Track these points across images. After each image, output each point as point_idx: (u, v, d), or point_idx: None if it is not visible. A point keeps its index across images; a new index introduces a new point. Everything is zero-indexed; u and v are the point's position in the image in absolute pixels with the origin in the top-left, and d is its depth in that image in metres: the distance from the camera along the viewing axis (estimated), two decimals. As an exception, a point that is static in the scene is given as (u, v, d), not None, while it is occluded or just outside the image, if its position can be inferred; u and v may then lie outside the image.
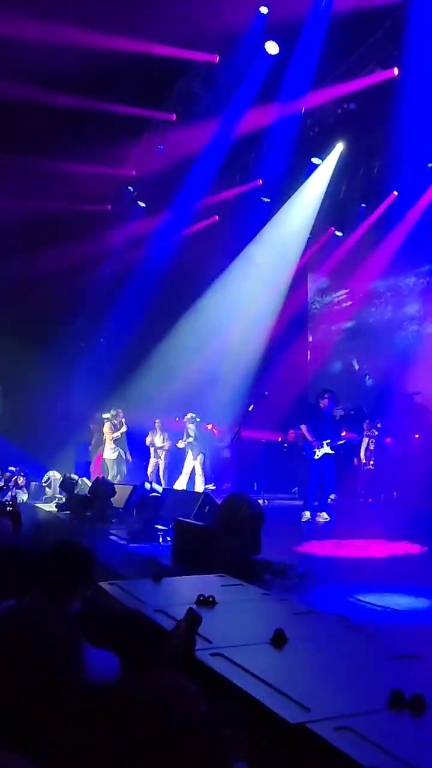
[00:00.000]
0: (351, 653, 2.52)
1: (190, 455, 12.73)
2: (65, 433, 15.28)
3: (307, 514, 9.24)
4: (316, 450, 9.43)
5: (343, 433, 9.95)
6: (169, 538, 5.93)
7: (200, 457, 12.62)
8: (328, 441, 9.39)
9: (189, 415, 12.96)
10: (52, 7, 9.62)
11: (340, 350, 15.82)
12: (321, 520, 9.25)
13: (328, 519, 9.32)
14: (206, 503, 6.59)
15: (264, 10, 10.24)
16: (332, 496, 12.26)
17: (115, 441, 13.54)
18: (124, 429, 13.45)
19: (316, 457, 9.46)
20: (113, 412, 13.66)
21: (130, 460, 13.83)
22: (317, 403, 9.73)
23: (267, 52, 11.07)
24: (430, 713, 1.83)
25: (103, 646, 2.19)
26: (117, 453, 13.33)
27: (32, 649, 1.94)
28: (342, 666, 2.36)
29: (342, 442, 9.77)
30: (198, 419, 13.05)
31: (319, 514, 9.38)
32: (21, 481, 11.18)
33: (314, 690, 2.05)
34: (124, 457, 13.50)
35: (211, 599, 3.07)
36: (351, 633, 2.75)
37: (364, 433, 12.01)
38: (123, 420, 13.61)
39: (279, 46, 10.94)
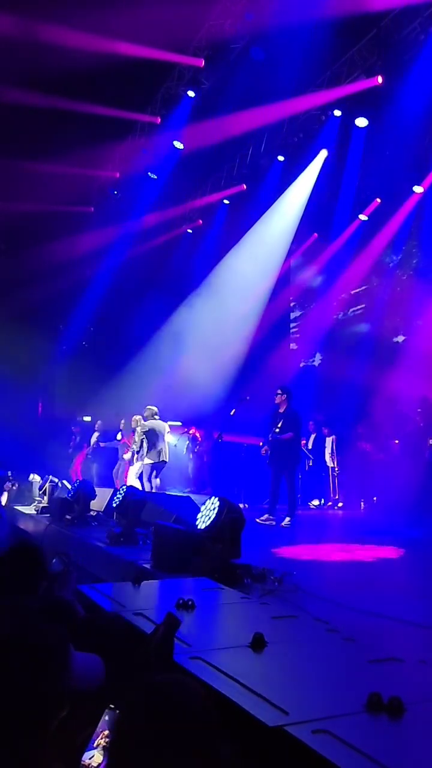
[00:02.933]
0: (330, 657, 2.52)
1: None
2: (46, 435, 15.21)
3: (265, 517, 8.70)
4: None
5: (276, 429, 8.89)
6: (149, 542, 5.90)
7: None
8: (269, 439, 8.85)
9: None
10: (37, 8, 9.60)
11: (322, 355, 15.89)
12: (284, 524, 8.58)
13: (287, 524, 8.58)
14: (187, 507, 6.58)
15: (249, 16, 10.28)
16: (316, 502, 12.31)
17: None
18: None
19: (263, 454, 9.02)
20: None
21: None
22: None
23: (252, 58, 11.13)
24: (408, 716, 1.84)
25: (82, 650, 2.17)
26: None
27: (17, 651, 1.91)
28: (321, 669, 2.37)
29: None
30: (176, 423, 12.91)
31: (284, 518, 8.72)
32: (8, 486, 11.06)
33: (293, 693, 2.05)
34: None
35: (190, 603, 3.06)
36: (330, 636, 2.75)
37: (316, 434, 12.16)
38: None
39: (264, 52, 11.01)
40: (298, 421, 9.14)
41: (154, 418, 11.22)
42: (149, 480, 10.85)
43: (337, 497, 11.95)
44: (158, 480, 11.06)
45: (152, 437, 10.94)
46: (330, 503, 11.96)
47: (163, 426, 11.27)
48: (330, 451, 12.22)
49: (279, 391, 9.05)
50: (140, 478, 11.43)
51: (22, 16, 9.65)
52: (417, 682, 2.24)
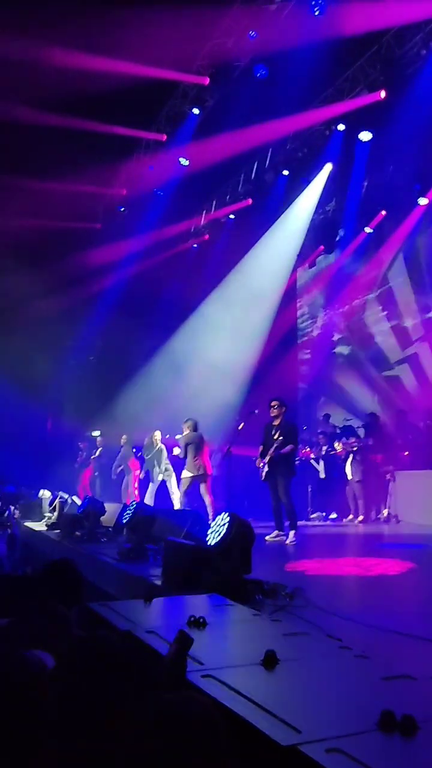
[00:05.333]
0: (342, 674, 2.52)
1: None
2: (55, 451, 15.26)
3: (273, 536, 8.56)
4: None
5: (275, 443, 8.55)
6: (159, 557, 5.90)
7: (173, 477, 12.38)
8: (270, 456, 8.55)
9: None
10: (46, 30, 9.76)
11: (330, 367, 15.90)
12: (288, 541, 8.35)
13: (291, 540, 8.36)
14: (197, 522, 6.58)
15: (253, 34, 10.41)
16: (314, 515, 12.23)
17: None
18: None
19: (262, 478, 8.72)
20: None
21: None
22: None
23: (256, 75, 11.25)
24: (421, 734, 1.84)
25: (96, 669, 2.19)
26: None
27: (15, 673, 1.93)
28: (333, 687, 2.36)
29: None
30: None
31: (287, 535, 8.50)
32: (17, 514, 11.06)
33: (305, 711, 2.05)
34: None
35: (202, 620, 3.06)
36: (342, 653, 2.75)
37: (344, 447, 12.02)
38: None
39: (268, 69, 11.13)
40: (296, 432, 8.94)
41: (196, 431, 10.94)
42: (186, 494, 10.56)
43: (358, 516, 11.66)
44: (208, 496, 10.67)
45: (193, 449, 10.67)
46: (351, 516, 11.74)
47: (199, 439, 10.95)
48: (350, 463, 11.91)
49: (276, 403, 8.79)
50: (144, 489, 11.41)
51: (31, 38, 9.81)
52: (430, 699, 2.23)
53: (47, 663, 2.17)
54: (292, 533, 8.43)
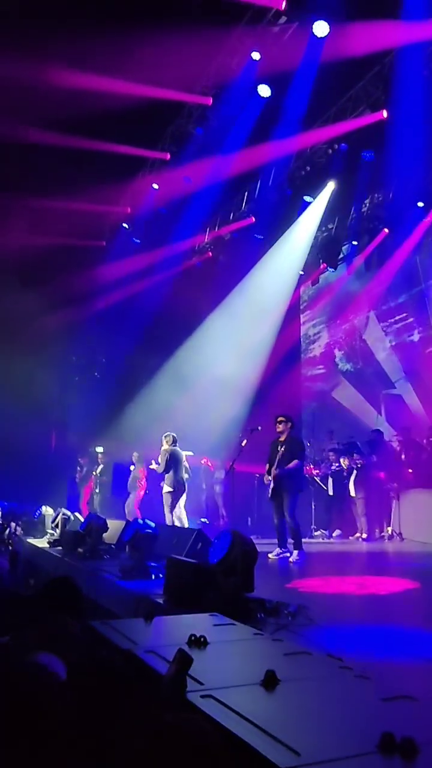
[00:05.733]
0: (343, 694, 2.50)
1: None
2: (58, 467, 15.25)
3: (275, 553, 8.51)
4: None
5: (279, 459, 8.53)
6: (161, 575, 5.89)
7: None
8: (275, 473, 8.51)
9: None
10: (52, 51, 9.91)
11: (332, 384, 15.91)
12: (292, 559, 8.30)
13: (295, 558, 8.29)
14: (199, 540, 6.56)
15: (256, 55, 10.54)
16: (317, 532, 12.16)
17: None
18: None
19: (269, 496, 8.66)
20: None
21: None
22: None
23: (259, 95, 11.39)
24: (421, 757, 1.82)
25: (95, 689, 2.19)
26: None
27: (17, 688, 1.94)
28: (333, 708, 2.35)
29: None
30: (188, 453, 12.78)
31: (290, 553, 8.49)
32: (19, 531, 11.03)
33: (305, 733, 2.04)
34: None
35: (202, 639, 3.05)
36: (343, 673, 2.73)
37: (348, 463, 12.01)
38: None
39: (271, 89, 11.27)
40: (301, 447, 8.92)
41: (175, 445, 11.00)
42: (170, 511, 10.57)
43: (363, 533, 11.60)
44: (182, 511, 10.71)
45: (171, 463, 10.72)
46: (357, 534, 11.69)
47: (182, 454, 11.03)
48: (353, 480, 11.88)
49: (282, 419, 8.77)
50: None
51: (37, 59, 9.96)
52: (431, 721, 2.22)
53: (59, 670, 2.17)
54: (296, 552, 8.39)
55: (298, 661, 2.91)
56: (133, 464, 13.58)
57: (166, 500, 10.67)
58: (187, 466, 11.46)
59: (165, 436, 11.06)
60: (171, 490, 10.64)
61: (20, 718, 1.70)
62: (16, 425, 14.78)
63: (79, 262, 15.45)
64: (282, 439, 8.73)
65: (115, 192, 14.40)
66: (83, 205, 13.94)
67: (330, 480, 12.62)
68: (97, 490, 14.16)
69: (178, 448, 10.98)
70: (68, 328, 15.99)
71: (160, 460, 10.81)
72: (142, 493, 13.08)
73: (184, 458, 10.99)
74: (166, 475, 10.70)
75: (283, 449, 8.56)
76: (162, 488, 10.88)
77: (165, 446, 10.89)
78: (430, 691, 2.53)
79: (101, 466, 14.23)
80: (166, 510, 10.61)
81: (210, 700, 2.29)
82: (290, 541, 8.61)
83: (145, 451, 14.08)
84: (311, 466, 12.93)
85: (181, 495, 10.76)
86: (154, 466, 11.11)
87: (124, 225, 15.54)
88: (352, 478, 11.77)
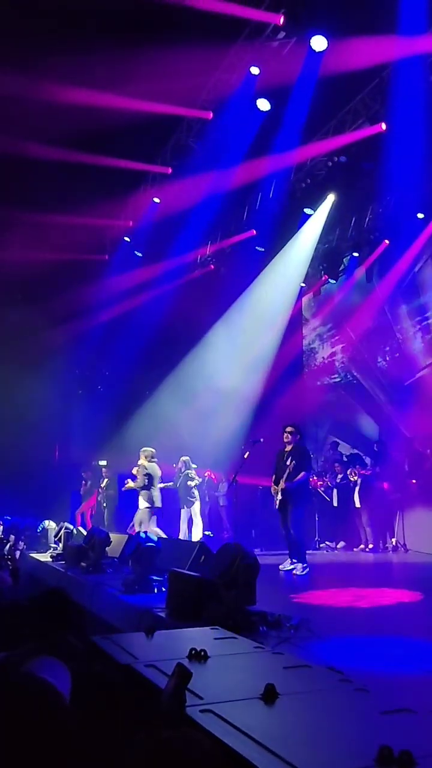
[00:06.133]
0: (342, 708, 2.49)
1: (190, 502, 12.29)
2: (61, 481, 15.24)
3: (286, 565, 8.50)
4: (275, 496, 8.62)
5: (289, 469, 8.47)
6: (164, 589, 5.88)
7: (197, 503, 12.36)
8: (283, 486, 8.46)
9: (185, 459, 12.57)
10: (51, 66, 10.01)
11: (335, 395, 15.90)
12: (297, 572, 8.31)
13: (299, 572, 8.29)
14: (201, 553, 6.55)
15: (255, 70, 10.63)
16: (322, 545, 12.11)
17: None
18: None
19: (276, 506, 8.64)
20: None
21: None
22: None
23: (259, 109, 11.47)
24: (419, 771, 1.82)
25: (94, 704, 2.19)
26: None
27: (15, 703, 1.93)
28: (332, 721, 2.34)
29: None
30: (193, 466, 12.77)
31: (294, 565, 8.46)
32: (21, 545, 11.00)
33: (303, 747, 2.03)
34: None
35: (203, 653, 3.04)
36: (343, 687, 2.71)
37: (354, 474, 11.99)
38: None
39: (270, 103, 11.35)
40: (308, 458, 8.86)
41: (153, 461, 10.97)
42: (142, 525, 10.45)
43: (367, 545, 11.56)
44: (156, 528, 10.56)
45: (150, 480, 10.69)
46: (361, 545, 11.65)
47: (158, 471, 10.99)
48: (358, 491, 11.84)
49: (289, 429, 8.73)
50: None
51: (37, 75, 10.06)
52: (429, 734, 2.21)
53: (63, 678, 2.16)
54: (300, 566, 8.36)
55: (298, 675, 2.90)
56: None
57: (144, 517, 10.56)
58: (197, 478, 11.45)
59: (143, 451, 11.00)
60: (148, 506, 10.60)
61: (16, 740, 1.69)
62: (18, 439, 14.79)
63: (82, 276, 15.52)
64: (288, 449, 8.68)
65: (116, 206, 14.49)
66: (85, 220, 14.03)
67: (335, 492, 12.59)
68: (105, 504, 14.13)
69: (155, 464, 10.92)
70: (71, 342, 16.04)
71: (138, 476, 10.77)
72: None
73: (159, 473, 10.94)
74: (144, 492, 10.63)
75: (290, 460, 8.52)
76: (139, 503, 10.80)
77: (143, 461, 10.84)
78: (430, 704, 2.51)
79: (106, 480, 14.21)
80: (141, 527, 10.40)
81: (209, 714, 2.28)
82: (289, 561, 8.54)
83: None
84: (315, 478, 12.91)
85: (155, 512, 10.69)
86: (130, 484, 10.99)
87: (126, 239, 15.62)
88: (357, 489, 11.74)
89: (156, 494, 10.69)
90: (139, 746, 1.44)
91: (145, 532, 7.85)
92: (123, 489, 11.45)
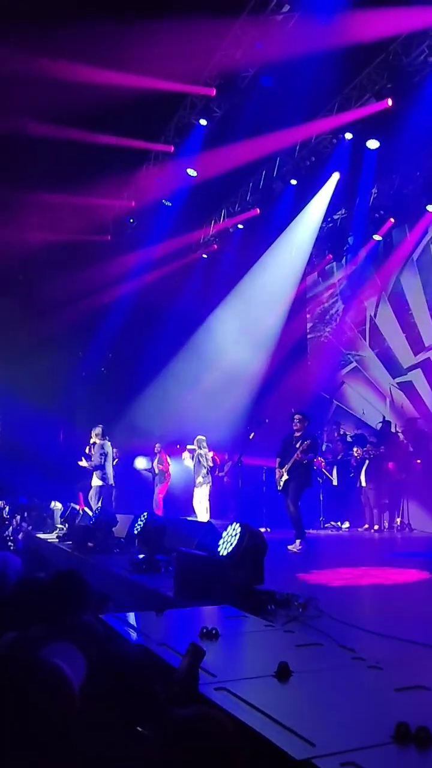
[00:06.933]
0: (356, 685, 2.49)
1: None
2: (67, 463, 15.26)
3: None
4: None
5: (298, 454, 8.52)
6: (171, 568, 5.89)
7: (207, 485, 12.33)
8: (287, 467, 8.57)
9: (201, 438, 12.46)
10: (52, 43, 9.86)
11: (340, 374, 15.86)
12: (293, 549, 8.39)
13: (295, 551, 8.38)
14: (208, 533, 6.56)
15: (259, 45, 10.46)
16: (327, 524, 12.15)
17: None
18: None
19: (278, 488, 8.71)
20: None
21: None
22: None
23: (263, 85, 11.31)
24: (436, 747, 1.81)
25: (109, 684, 2.19)
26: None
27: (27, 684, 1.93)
28: (347, 699, 2.34)
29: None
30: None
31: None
32: (26, 526, 11.06)
33: (319, 724, 2.03)
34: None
35: (214, 632, 3.04)
36: (356, 665, 2.72)
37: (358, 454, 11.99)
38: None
39: (275, 79, 11.18)
40: (316, 446, 8.92)
41: (105, 439, 11.07)
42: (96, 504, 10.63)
43: (373, 525, 11.58)
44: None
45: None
46: (366, 525, 11.67)
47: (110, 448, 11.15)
48: (365, 471, 11.82)
49: (299, 417, 8.81)
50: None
51: (39, 53, 9.92)
52: (445, 711, 2.21)
53: (77, 665, 2.16)
54: (297, 542, 8.43)
55: (311, 653, 2.90)
56: (155, 457, 13.59)
57: (96, 494, 10.72)
58: (209, 458, 11.47)
59: (94, 430, 11.07)
60: (101, 484, 10.76)
61: (17, 721, 1.69)
62: (24, 421, 14.80)
63: (84, 257, 15.42)
64: (298, 435, 8.76)
65: (119, 186, 14.35)
66: (88, 200, 13.90)
67: (335, 469, 12.61)
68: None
69: (108, 442, 10.96)
70: (75, 323, 15.98)
71: (93, 455, 10.81)
72: (167, 485, 13.11)
73: (111, 451, 11.10)
74: (98, 471, 10.75)
75: (298, 446, 8.57)
76: (93, 481, 10.94)
77: (95, 440, 10.87)
78: (444, 681, 2.51)
79: (116, 461, 14.22)
80: (93, 502, 10.64)
81: (223, 692, 2.28)
82: (306, 530, 8.54)
83: (151, 445, 14.11)
84: (320, 459, 12.92)
85: (108, 489, 10.81)
86: (84, 463, 11.06)
87: (130, 219, 15.50)
88: (364, 468, 11.74)
89: (109, 472, 10.87)
90: (163, 723, 1.43)
91: (152, 512, 7.87)
92: (79, 463, 11.45)
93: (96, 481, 10.77)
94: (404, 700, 2.27)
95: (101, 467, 10.70)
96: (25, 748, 1.69)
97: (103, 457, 10.72)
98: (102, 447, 10.78)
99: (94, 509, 9.90)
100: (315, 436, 9.08)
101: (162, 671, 2.53)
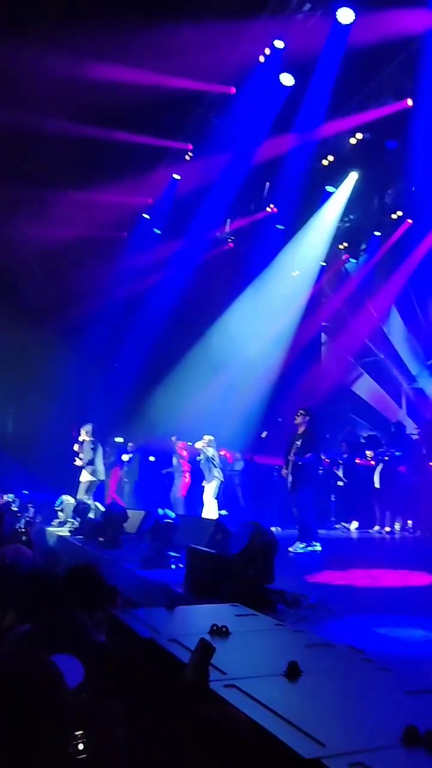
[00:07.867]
0: (366, 687, 2.49)
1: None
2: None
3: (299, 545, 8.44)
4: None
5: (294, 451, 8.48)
6: (181, 565, 5.91)
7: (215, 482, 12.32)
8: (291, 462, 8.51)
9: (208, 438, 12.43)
10: (73, 42, 9.89)
11: (355, 375, 15.81)
12: (293, 551, 8.30)
13: (296, 549, 8.28)
14: (219, 531, 6.57)
15: (279, 44, 10.44)
16: (338, 525, 12.10)
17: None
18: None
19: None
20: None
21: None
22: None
23: (282, 84, 11.28)
24: (445, 750, 1.81)
25: (118, 679, 2.20)
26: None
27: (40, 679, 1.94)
28: (356, 700, 2.34)
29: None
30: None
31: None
32: (38, 519, 11.16)
33: (329, 724, 2.03)
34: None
35: (224, 629, 3.05)
36: (365, 666, 2.71)
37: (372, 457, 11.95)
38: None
39: (294, 78, 11.16)
40: (316, 441, 8.81)
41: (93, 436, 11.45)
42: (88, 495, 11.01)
43: (384, 526, 11.54)
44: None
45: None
46: (377, 527, 11.63)
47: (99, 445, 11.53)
48: (378, 473, 11.76)
49: (301, 412, 8.74)
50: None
51: (59, 51, 9.95)
52: (455, 715, 2.20)
53: (74, 671, 2.17)
54: (298, 543, 8.37)
55: (320, 653, 2.90)
56: (174, 451, 13.59)
57: (87, 487, 11.03)
58: (218, 458, 11.52)
59: (84, 428, 11.43)
60: (92, 479, 11.09)
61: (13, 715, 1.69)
62: (36, 415, 14.87)
63: (100, 253, 15.47)
64: (300, 431, 8.68)
65: (137, 183, 14.37)
66: (104, 197, 13.93)
67: (341, 469, 12.56)
68: (126, 480, 14.24)
69: (95, 440, 11.36)
70: (90, 319, 16.02)
71: (84, 452, 11.10)
72: (187, 480, 13.11)
73: (100, 448, 11.46)
74: (89, 467, 11.09)
75: (299, 442, 8.52)
76: (82, 474, 11.23)
77: (85, 437, 11.24)
78: (454, 685, 2.50)
79: (130, 455, 14.28)
80: (84, 495, 10.95)
81: (233, 689, 2.29)
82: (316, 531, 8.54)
83: (164, 441, 14.12)
84: (326, 459, 12.87)
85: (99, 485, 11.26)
86: (80, 462, 11.38)
87: (145, 216, 15.53)
88: (378, 470, 11.70)
89: (99, 467, 11.20)
90: (179, 720, 1.45)
91: (163, 508, 7.89)
92: (74, 464, 11.65)
93: (86, 476, 10.98)
94: (414, 703, 2.26)
95: (92, 463, 11.05)
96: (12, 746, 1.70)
97: (93, 452, 11.07)
98: (92, 443, 11.14)
99: (91, 504, 10.15)
100: (316, 433, 8.97)
101: (171, 667, 2.55)
